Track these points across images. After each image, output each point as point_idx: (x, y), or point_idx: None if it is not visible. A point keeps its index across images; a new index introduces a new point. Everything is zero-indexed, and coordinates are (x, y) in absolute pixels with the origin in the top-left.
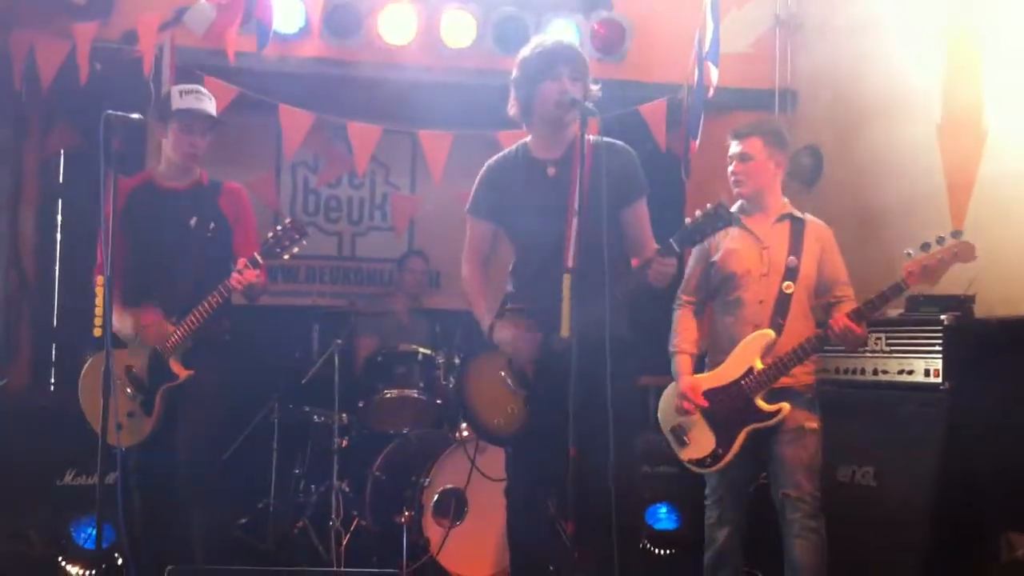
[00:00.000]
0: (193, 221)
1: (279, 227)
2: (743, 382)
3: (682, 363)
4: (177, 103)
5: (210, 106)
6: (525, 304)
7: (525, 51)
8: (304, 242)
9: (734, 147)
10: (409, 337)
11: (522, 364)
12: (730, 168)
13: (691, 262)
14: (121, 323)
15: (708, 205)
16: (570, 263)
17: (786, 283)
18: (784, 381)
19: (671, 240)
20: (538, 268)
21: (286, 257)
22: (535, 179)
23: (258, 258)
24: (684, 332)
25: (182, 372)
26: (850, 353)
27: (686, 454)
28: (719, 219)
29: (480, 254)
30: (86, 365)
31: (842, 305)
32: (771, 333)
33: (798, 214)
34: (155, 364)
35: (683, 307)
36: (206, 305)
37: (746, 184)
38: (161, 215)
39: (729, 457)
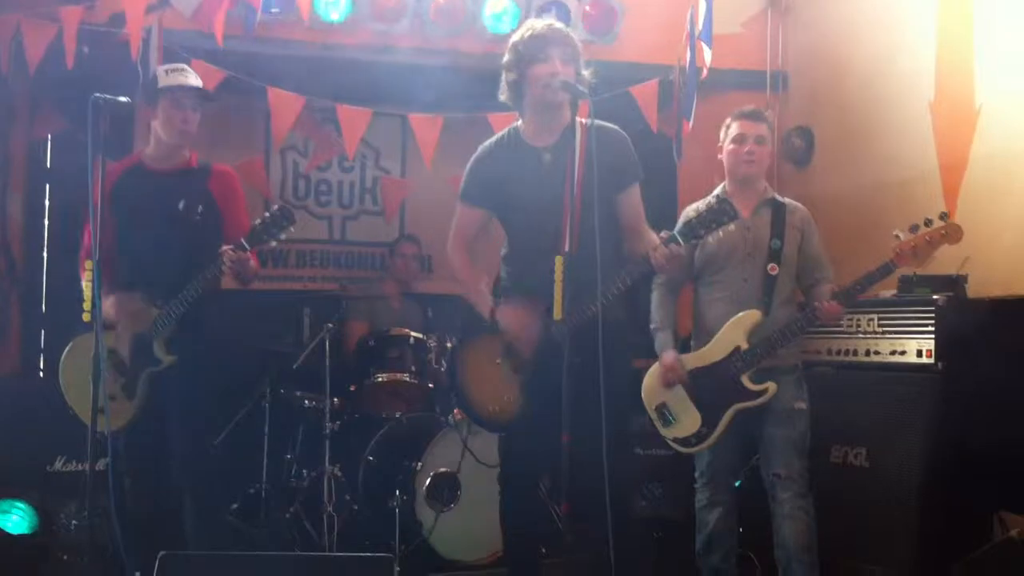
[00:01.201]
0: (181, 204)
1: (267, 213)
2: (730, 362)
3: (665, 339)
4: (164, 80)
5: (196, 82)
6: (522, 289)
7: (516, 35)
8: (292, 228)
9: (749, 127)
10: (401, 322)
11: (525, 347)
12: (743, 148)
13: None
14: (103, 304)
15: (712, 199)
16: (567, 249)
17: (770, 264)
18: (771, 360)
19: (675, 233)
20: (534, 255)
21: (274, 244)
22: (530, 166)
23: (245, 244)
24: (663, 309)
25: (165, 357)
26: (842, 334)
27: (671, 432)
28: (723, 213)
29: (468, 239)
30: (68, 347)
31: (823, 286)
32: (757, 313)
33: (779, 199)
34: (138, 348)
35: (662, 286)
36: (191, 289)
37: (756, 166)
38: (149, 198)
39: (715, 436)
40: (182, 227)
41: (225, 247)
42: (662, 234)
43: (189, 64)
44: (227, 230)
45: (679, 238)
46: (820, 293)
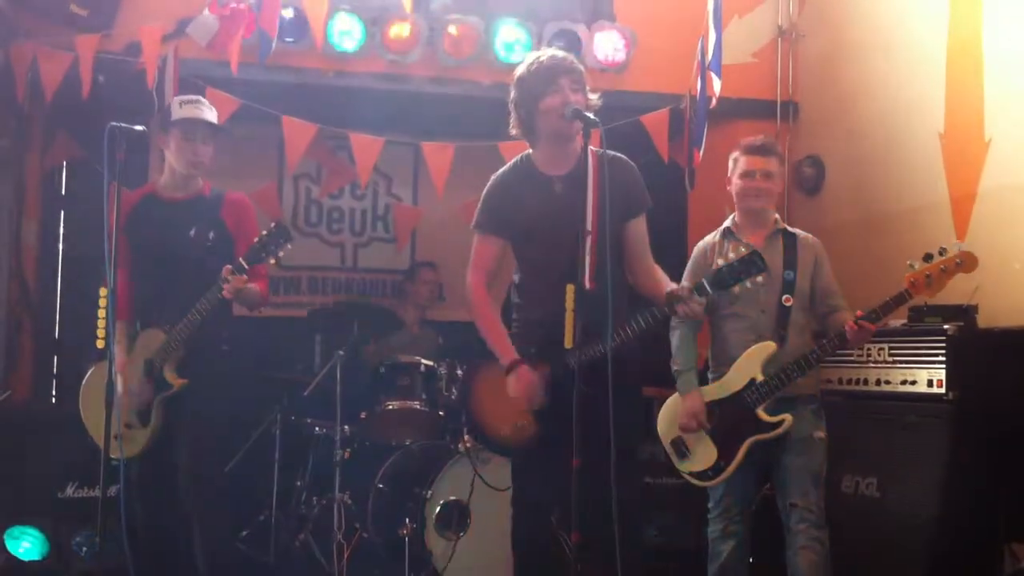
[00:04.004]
0: (192, 231)
1: (264, 231)
2: (745, 394)
3: (689, 382)
4: (177, 113)
5: (210, 115)
6: (535, 318)
7: (521, 69)
8: (289, 245)
9: (757, 163)
10: (419, 349)
11: (524, 408)
12: (749, 183)
13: (690, 279)
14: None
15: (742, 250)
16: (588, 283)
17: (785, 296)
18: (789, 390)
19: (703, 281)
20: (546, 284)
21: (272, 261)
22: (543, 195)
23: (243, 263)
24: (687, 349)
25: (176, 381)
26: (853, 363)
27: (687, 467)
28: (753, 266)
29: (488, 271)
30: (87, 376)
31: (837, 314)
32: (773, 345)
33: (790, 229)
34: (149, 374)
35: (684, 325)
36: (194, 314)
37: (765, 200)
38: (162, 226)
39: (731, 469)
40: (193, 254)
41: (225, 267)
42: (684, 283)
43: (204, 93)
44: (239, 256)
45: (708, 288)
46: (840, 320)
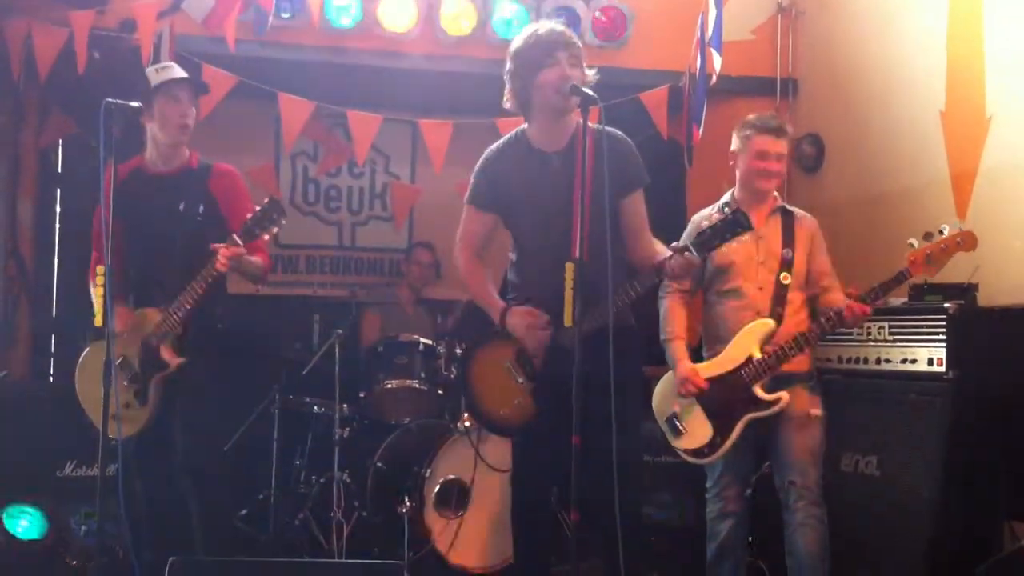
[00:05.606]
0: (182, 205)
1: (258, 207)
2: (742, 371)
3: (678, 349)
4: (155, 79)
5: (185, 75)
6: (533, 296)
7: (518, 41)
8: (283, 221)
9: (772, 145)
10: (414, 328)
11: (533, 353)
12: (762, 164)
13: None
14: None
15: (727, 210)
16: (584, 257)
17: (783, 274)
18: (785, 368)
19: (690, 244)
20: (543, 261)
21: (266, 237)
22: (539, 171)
23: (237, 239)
24: (676, 319)
25: (173, 360)
26: (853, 342)
27: (682, 443)
28: (738, 224)
29: (476, 245)
30: (83, 355)
31: (829, 295)
32: (771, 322)
33: (788, 207)
34: (146, 353)
35: (672, 295)
36: (191, 292)
37: (776, 181)
38: (150, 201)
39: (727, 446)
40: (184, 229)
41: (217, 245)
42: (674, 244)
43: (200, 69)
44: (233, 228)
45: (693, 249)
46: (833, 300)
